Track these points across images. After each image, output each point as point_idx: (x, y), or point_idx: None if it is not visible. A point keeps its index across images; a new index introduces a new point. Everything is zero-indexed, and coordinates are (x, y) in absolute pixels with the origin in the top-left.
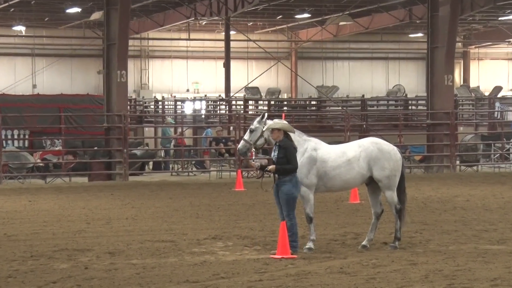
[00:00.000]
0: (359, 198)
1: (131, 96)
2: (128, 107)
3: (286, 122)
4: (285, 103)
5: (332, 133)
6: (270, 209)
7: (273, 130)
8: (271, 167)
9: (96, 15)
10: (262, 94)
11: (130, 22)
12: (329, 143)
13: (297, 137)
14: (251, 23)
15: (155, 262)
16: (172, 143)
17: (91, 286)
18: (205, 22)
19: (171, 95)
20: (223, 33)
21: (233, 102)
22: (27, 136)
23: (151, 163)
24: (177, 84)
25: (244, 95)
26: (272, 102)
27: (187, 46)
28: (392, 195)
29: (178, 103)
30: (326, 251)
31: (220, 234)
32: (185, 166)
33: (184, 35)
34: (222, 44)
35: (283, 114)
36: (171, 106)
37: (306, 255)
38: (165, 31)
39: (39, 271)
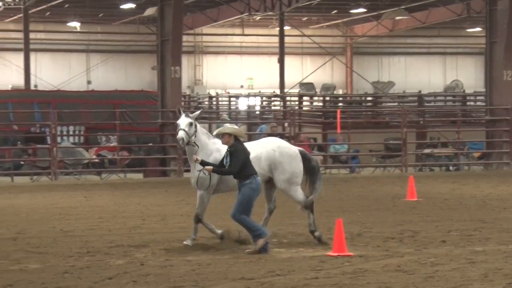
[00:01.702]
0: (416, 195)
1: (185, 92)
2: (182, 103)
3: (237, 127)
4: (340, 99)
5: (388, 130)
6: (326, 206)
7: (223, 134)
8: (209, 167)
9: (150, 11)
10: (316, 90)
11: (184, 18)
12: (385, 139)
13: (206, 139)
14: (305, 18)
15: (210, 259)
16: None
17: (147, 282)
18: (259, 17)
19: (225, 91)
20: (277, 29)
21: (288, 98)
22: (82, 132)
23: None
24: (231, 80)
25: (299, 91)
26: (327, 98)
27: (241, 42)
28: (295, 194)
29: (232, 99)
30: (383, 249)
31: (275, 231)
32: None
33: (238, 31)
34: (276, 39)
35: (339, 110)
36: (225, 102)
37: (363, 253)
38: (218, 26)
39: (95, 267)
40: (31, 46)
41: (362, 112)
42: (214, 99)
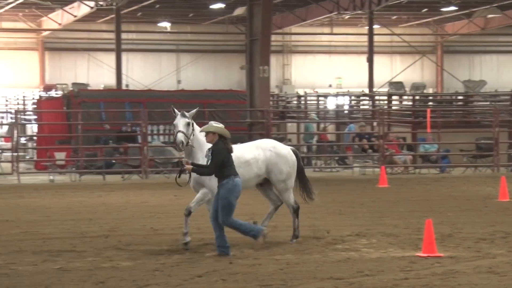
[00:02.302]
0: (509, 196)
1: (273, 92)
2: (271, 102)
3: (222, 125)
4: (430, 98)
5: (479, 129)
6: (415, 206)
7: (207, 133)
8: (188, 166)
9: (239, 11)
10: (406, 89)
11: (272, 17)
12: (477, 139)
13: (203, 138)
14: (395, 17)
15: (298, 258)
16: (315, 139)
17: (236, 281)
18: (348, 16)
19: (314, 90)
20: (367, 27)
21: (376, 97)
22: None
23: None
24: (319, 79)
25: (388, 90)
26: (417, 97)
27: (329, 41)
28: (288, 196)
29: (321, 98)
30: (474, 250)
31: (363, 231)
32: (328, 162)
33: (326, 30)
34: (366, 38)
35: (429, 110)
36: (314, 102)
37: (454, 255)
38: (307, 25)
39: (184, 265)
40: (123, 47)
41: (452, 111)
42: (302, 98)
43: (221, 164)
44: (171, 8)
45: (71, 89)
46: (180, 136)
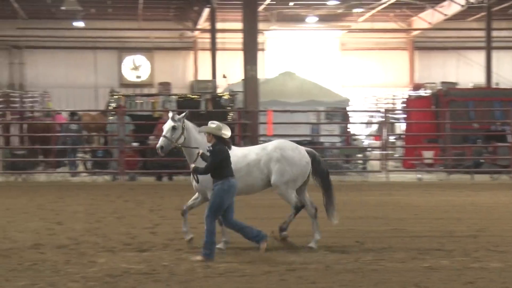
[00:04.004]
0: None
1: None
2: None
3: (217, 124)
4: None
5: None
6: None
7: (205, 133)
8: (192, 165)
9: None
10: None
11: None
12: None
13: (202, 137)
14: None
15: None
16: None
17: None
18: None
19: None
20: None
21: None
22: None
23: None
24: None
25: None
26: None
27: None
28: (290, 196)
29: None
30: None
31: None
32: None
33: None
34: None
35: None
36: None
37: None
38: None
39: None
40: (493, 44)
41: None
42: None
43: (218, 165)
44: None
45: (439, 88)
46: (160, 142)
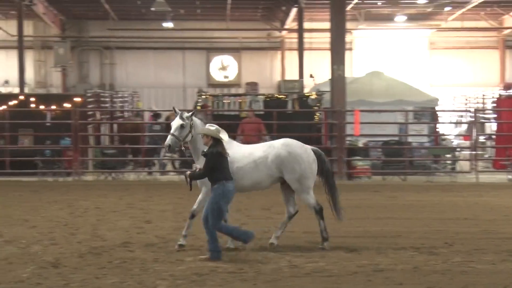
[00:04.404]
0: None
1: None
2: None
3: (216, 127)
4: None
5: None
6: None
7: (203, 135)
8: (189, 172)
9: None
10: None
11: None
12: None
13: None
14: None
15: None
16: None
17: None
18: None
19: None
20: None
21: None
22: None
23: None
24: None
25: None
26: None
27: None
28: (306, 197)
29: None
30: None
31: None
32: None
33: None
34: None
35: None
36: None
37: None
38: None
39: None
40: None
41: None
42: None
43: (211, 168)
44: None
45: None
46: (168, 140)
